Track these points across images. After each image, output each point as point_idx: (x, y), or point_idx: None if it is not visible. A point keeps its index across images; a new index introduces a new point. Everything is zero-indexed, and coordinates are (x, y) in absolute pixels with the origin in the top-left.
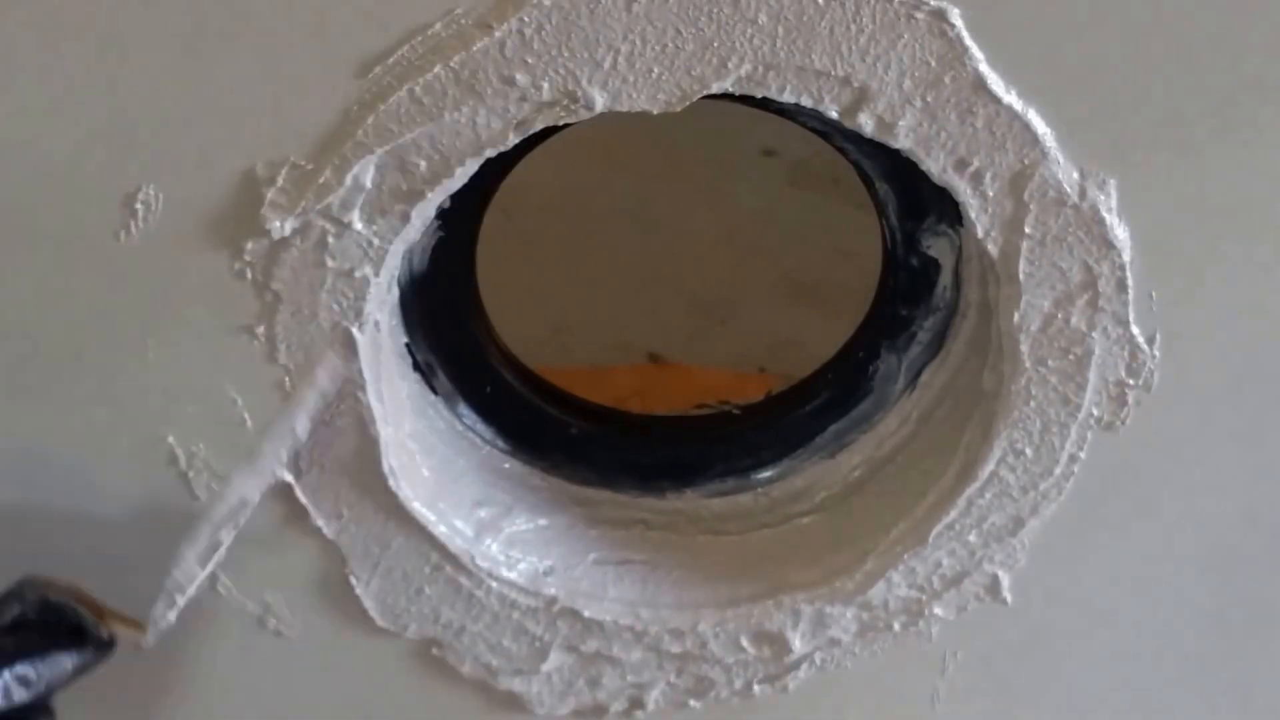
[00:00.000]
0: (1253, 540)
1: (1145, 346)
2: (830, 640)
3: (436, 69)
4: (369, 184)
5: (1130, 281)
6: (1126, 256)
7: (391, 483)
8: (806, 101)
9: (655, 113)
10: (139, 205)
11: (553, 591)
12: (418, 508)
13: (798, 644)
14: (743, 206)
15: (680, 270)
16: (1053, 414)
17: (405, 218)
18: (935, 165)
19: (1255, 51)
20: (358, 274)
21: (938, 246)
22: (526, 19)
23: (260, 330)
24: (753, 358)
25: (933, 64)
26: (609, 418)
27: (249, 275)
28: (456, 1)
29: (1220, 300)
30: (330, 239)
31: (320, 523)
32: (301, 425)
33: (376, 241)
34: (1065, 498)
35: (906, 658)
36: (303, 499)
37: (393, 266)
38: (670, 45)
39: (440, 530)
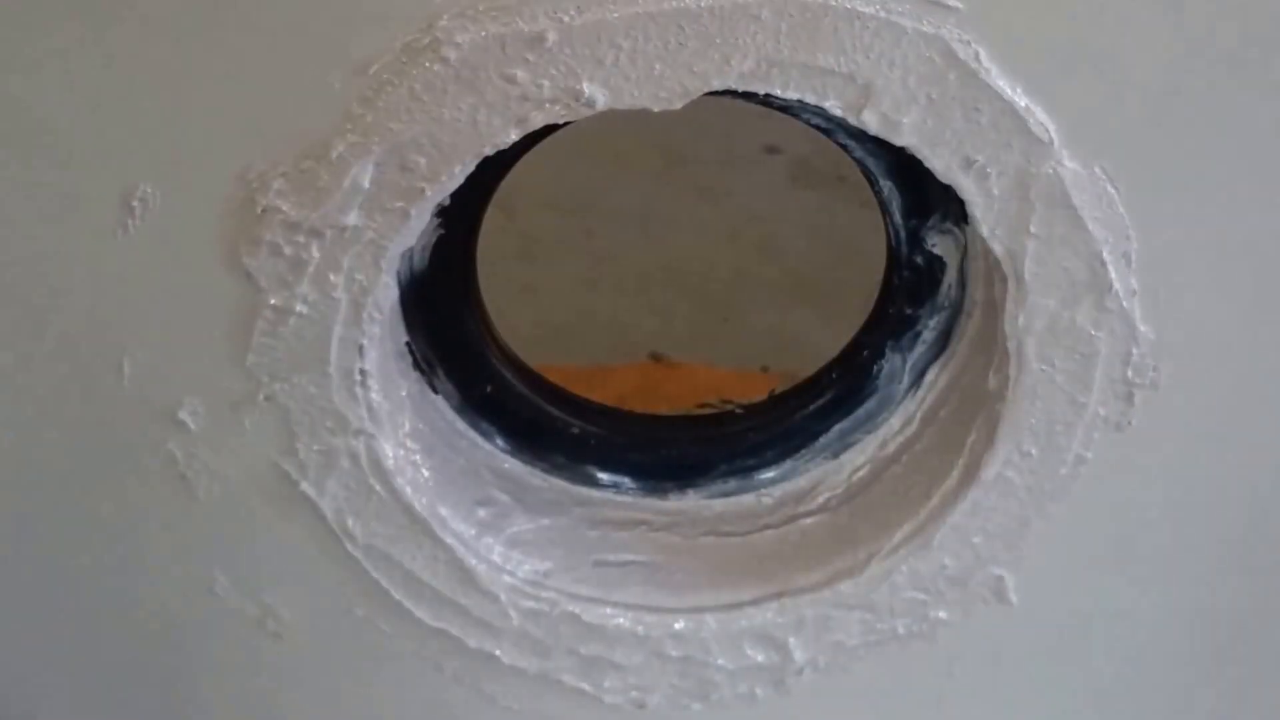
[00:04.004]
0: (1260, 540)
1: (1152, 345)
2: (834, 643)
3: (436, 66)
4: (368, 182)
5: (1136, 281)
6: (1133, 255)
7: (392, 483)
8: (810, 98)
9: (656, 110)
10: (136, 203)
11: (553, 594)
12: (418, 509)
13: (801, 647)
14: (745, 204)
15: (682, 269)
16: (1059, 414)
17: (405, 216)
18: (940, 163)
19: (1260, 50)
20: (357, 273)
21: (943, 245)
22: (527, 15)
23: (257, 329)
24: (755, 357)
25: (937, 61)
26: (610, 417)
27: (247, 273)
28: None
29: (1227, 298)
30: (329, 237)
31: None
32: None
33: (376, 239)
34: (1072, 498)
35: (911, 661)
36: (321, 507)
37: (392, 264)
38: (673, 42)
39: (440, 531)
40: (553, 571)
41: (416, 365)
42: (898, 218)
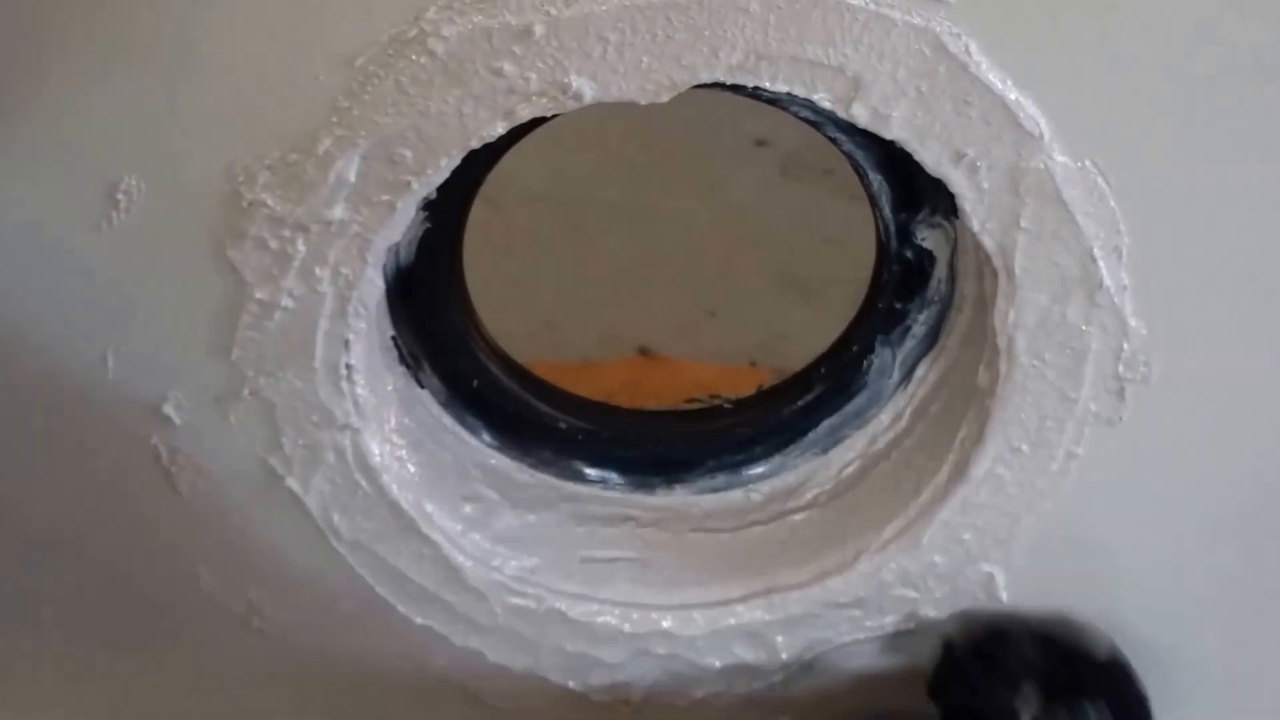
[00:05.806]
0: (1253, 535)
1: (1144, 341)
2: (822, 640)
3: (423, 59)
4: (354, 176)
5: (1128, 276)
6: (1124, 250)
7: (378, 479)
8: (799, 91)
9: (644, 103)
10: (120, 196)
11: (540, 591)
12: (404, 504)
13: (789, 644)
14: (734, 198)
15: (670, 263)
16: (1049, 410)
17: (390, 209)
18: (930, 156)
19: (1251, 43)
20: (343, 267)
21: (933, 239)
22: (515, 8)
23: (242, 322)
24: (744, 351)
25: (927, 54)
26: (598, 412)
27: (232, 267)
28: None
29: (1219, 293)
30: (315, 231)
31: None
32: None
33: (362, 233)
34: (1062, 495)
35: (900, 658)
36: (307, 502)
37: (378, 258)
38: (660, 34)
39: (426, 527)
40: (539, 568)
41: (402, 360)
42: (887, 212)
